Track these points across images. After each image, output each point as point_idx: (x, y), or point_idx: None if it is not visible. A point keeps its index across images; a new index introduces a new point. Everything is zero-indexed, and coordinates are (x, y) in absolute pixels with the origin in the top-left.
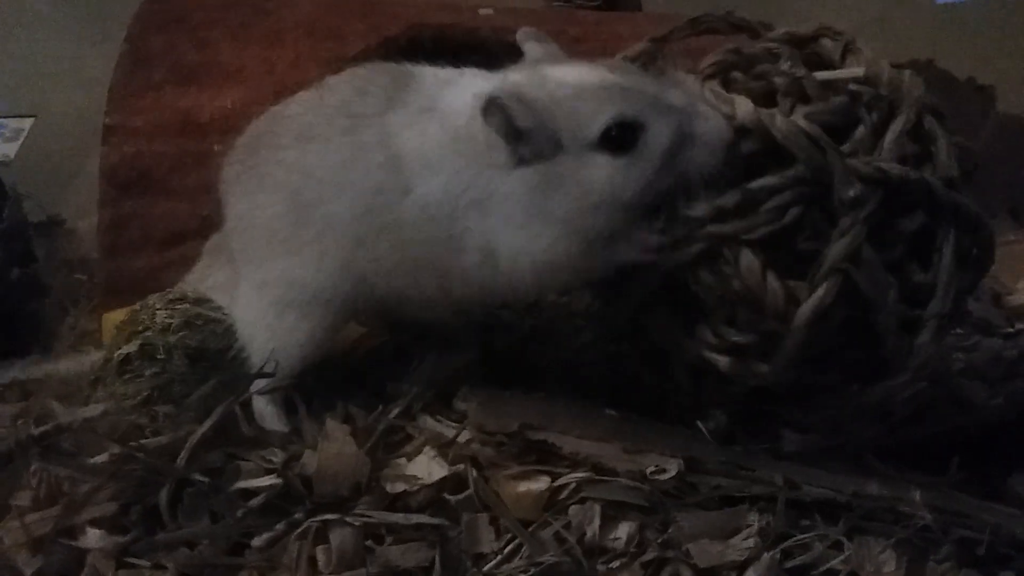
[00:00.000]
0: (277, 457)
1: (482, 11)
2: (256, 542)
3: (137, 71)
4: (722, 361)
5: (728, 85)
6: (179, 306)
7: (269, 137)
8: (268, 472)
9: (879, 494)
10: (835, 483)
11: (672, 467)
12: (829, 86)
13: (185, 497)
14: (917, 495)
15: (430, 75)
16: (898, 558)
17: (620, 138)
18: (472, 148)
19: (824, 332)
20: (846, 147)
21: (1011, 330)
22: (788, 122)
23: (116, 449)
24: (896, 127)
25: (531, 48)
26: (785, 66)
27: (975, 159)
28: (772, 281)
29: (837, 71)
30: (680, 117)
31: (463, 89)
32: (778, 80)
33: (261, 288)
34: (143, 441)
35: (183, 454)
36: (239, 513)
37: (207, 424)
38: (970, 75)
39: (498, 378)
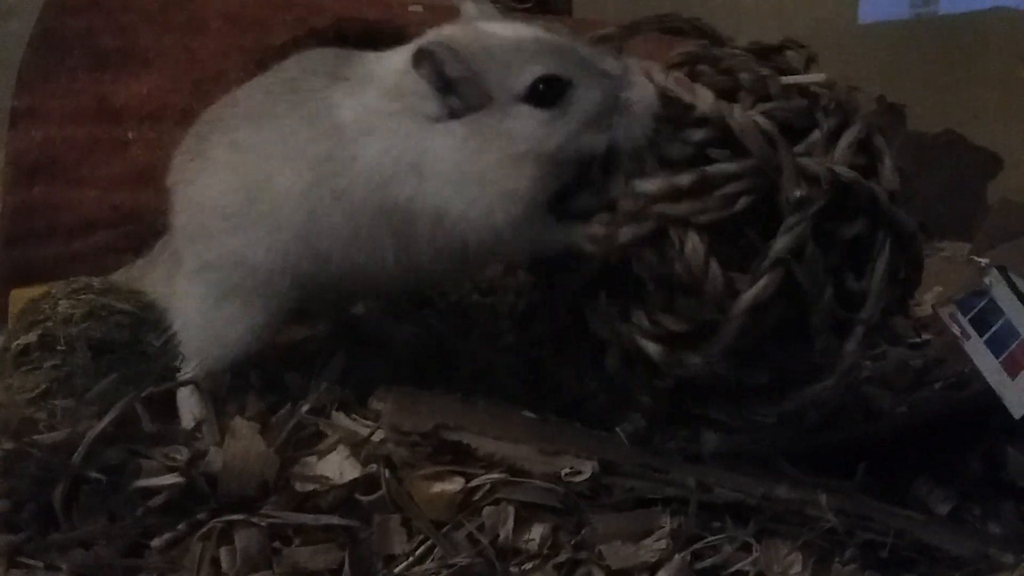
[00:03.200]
0: (181, 455)
1: (412, 8)
2: (156, 543)
3: (50, 54)
4: (654, 349)
5: (694, 77)
6: (83, 296)
7: (218, 123)
8: (171, 470)
9: (787, 497)
10: (745, 486)
11: (587, 469)
12: (791, 89)
13: (81, 495)
14: (824, 499)
15: (371, 53)
16: (804, 560)
17: (547, 92)
18: (403, 105)
19: (759, 326)
20: (800, 147)
21: (918, 340)
22: (745, 116)
23: (9, 444)
24: (850, 135)
25: (467, 7)
26: (751, 65)
27: (913, 186)
28: (714, 268)
29: (800, 76)
30: (611, 82)
31: (399, 54)
32: (743, 76)
33: (202, 272)
34: (38, 436)
35: (79, 450)
36: (138, 512)
37: (106, 420)
38: (881, 94)
39: (417, 378)
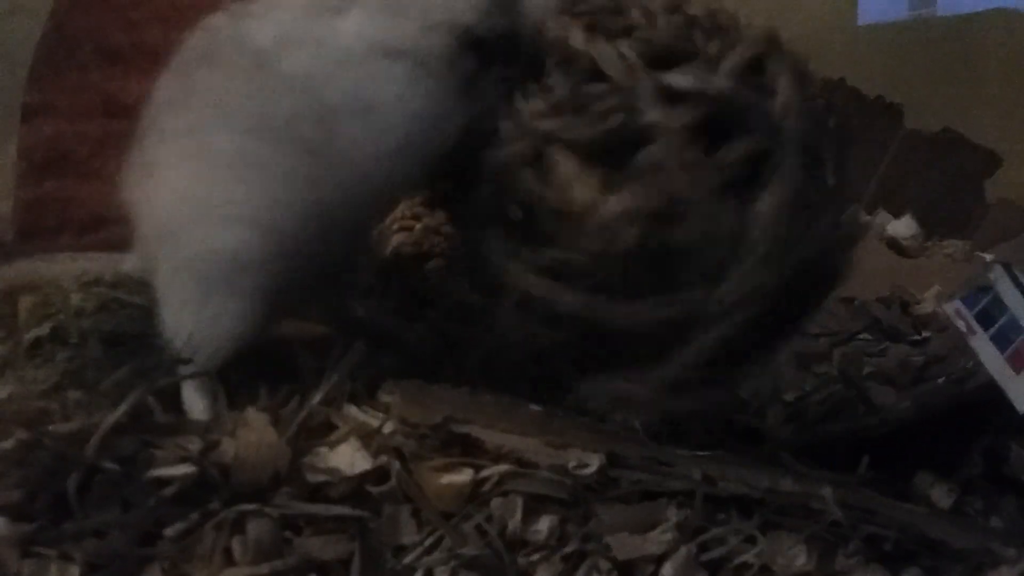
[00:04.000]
0: (194, 445)
1: None
2: (169, 532)
3: (60, 50)
4: (530, 281)
5: (594, 25)
6: (94, 289)
7: (150, 127)
8: (183, 460)
9: (792, 490)
10: (750, 479)
11: (594, 462)
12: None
13: (95, 485)
14: (828, 492)
15: None
16: (809, 552)
17: None
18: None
19: (632, 257)
20: (679, 69)
21: (918, 337)
22: (608, 47)
23: (23, 434)
24: (734, 56)
25: None
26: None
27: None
28: (583, 184)
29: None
30: None
31: None
32: (634, 14)
33: (176, 275)
34: (52, 427)
35: (93, 441)
36: (151, 502)
37: (119, 411)
38: (879, 94)
39: (424, 373)
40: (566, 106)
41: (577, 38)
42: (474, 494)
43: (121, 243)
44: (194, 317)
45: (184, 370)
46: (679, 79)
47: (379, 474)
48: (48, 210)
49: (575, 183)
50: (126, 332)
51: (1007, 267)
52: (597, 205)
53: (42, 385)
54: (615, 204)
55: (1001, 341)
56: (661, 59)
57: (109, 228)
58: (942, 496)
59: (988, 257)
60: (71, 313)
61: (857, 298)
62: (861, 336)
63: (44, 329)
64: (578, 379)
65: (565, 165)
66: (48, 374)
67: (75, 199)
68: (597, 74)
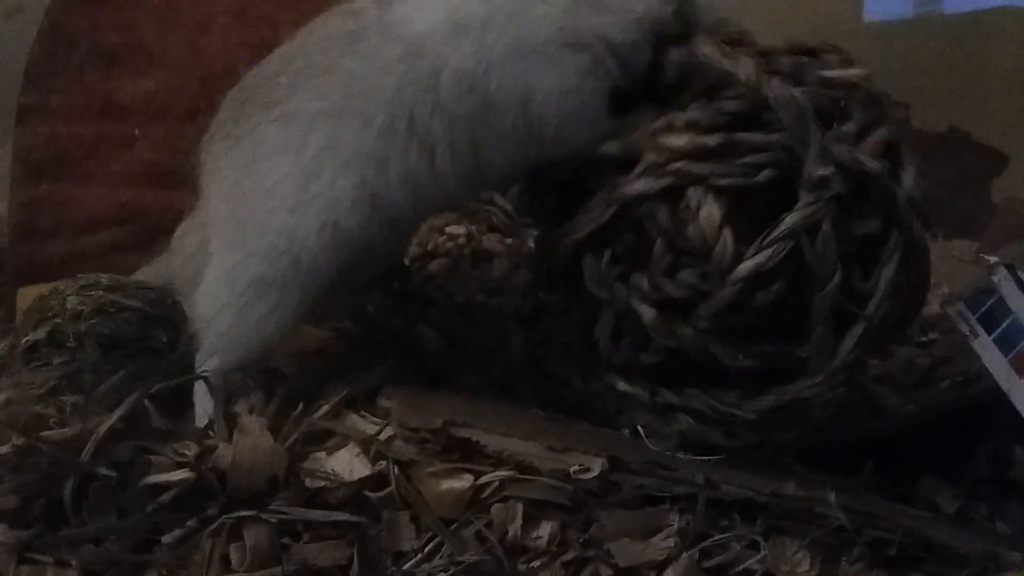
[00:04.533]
0: (190, 450)
1: None
2: (166, 539)
3: (57, 50)
4: (648, 313)
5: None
6: (91, 292)
7: (258, 98)
8: (180, 466)
9: (796, 494)
10: (754, 483)
11: (596, 466)
12: (827, 81)
13: (91, 492)
14: (832, 496)
15: None
16: (812, 558)
17: None
18: None
19: (756, 301)
20: (831, 134)
21: (924, 339)
22: (784, 88)
23: (19, 440)
24: (880, 133)
25: None
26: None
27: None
28: (727, 234)
29: (839, 70)
30: None
31: None
32: (783, 60)
33: (242, 265)
34: (47, 433)
35: (88, 447)
36: (148, 509)
37: (114, 416)
38: (885, 92)
39: (426, 379)
40: (719, 150)
41: (748, 71)
42: (474, 500)
43: (117, 246)
44: (239, 314)
45: (203, 366)
46: (839, 150)
47: (378, 479)
48: (44, 212)
49: (717, 231)
50: (124, 335)
51: (1011, 269)
52: (737, 258)
53: (39, 389)
54: (754, 263)
55: (1005, 344)
56: (819, 115)
57: (105, 230)
58: (947, 500)
59: (992, 259)
60: (68, 316)
61: None
62: None
63: (41, 333)
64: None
65: (710, 212)
66: (45, 378)
67: (71, 201)
68: (750, 115)
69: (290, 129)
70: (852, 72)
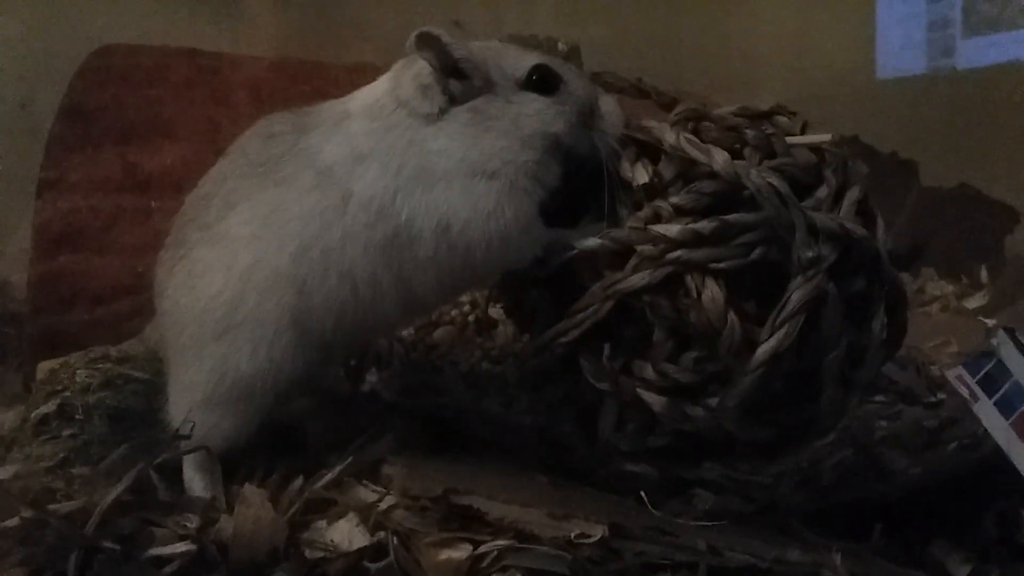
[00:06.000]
0: (192, 523)
1: None
2: None
3: (77, 126)
4: (657, 401)
5: (698, 133)
6: (100, 365)
7: (192, 220)
8: (182, 538)
9: (799, 560)
10: (757, 549)
11: (596, 532)
12: (795, 147)
13: (96, 564)
14: (838, 559)
15: (328, 102)
16: None
17: (543, 82)
18: (397, 116)
19: (773, 379)
20: (809, 202)
21: (933, 399)
22: (761, 176)
23: (27, 513)
24: (853, 194)
25: None
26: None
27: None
28: (733, 317)
29: (806, 136)
30: (588, 84)
31: (376, 83)
32: (749, 133)
33: (188, 386)
34: (54, 505)
35: (92, 520)
36: None
37: (118, 489)
38: (894, 149)
39: (429, 445)
40: (713, 235)
41: (718, 161)
42: (473, 570)
43: (133, 315)
44: (197, 424)
45: (184, 446)
46: (824, 220)
47: (377, 550)
48: (62, 283)
49: (724, 314)
50: (131, 407)
51: (1010, 332)
52: (747, 338)
53: (48, 462)
54: (772, 346)
55: (1006, 407)
56: (793, 185)
57: (122, 300)
58: (958, 565)
59: (990, 322)
60: (77, 389)
61: None
62: (876, 398)
63: (51, 406)
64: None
65: (713, 295)
66: (54, 450)
67: (88, 272)
68: (729, 194)
69: (219, 249)
70: (817, 137)
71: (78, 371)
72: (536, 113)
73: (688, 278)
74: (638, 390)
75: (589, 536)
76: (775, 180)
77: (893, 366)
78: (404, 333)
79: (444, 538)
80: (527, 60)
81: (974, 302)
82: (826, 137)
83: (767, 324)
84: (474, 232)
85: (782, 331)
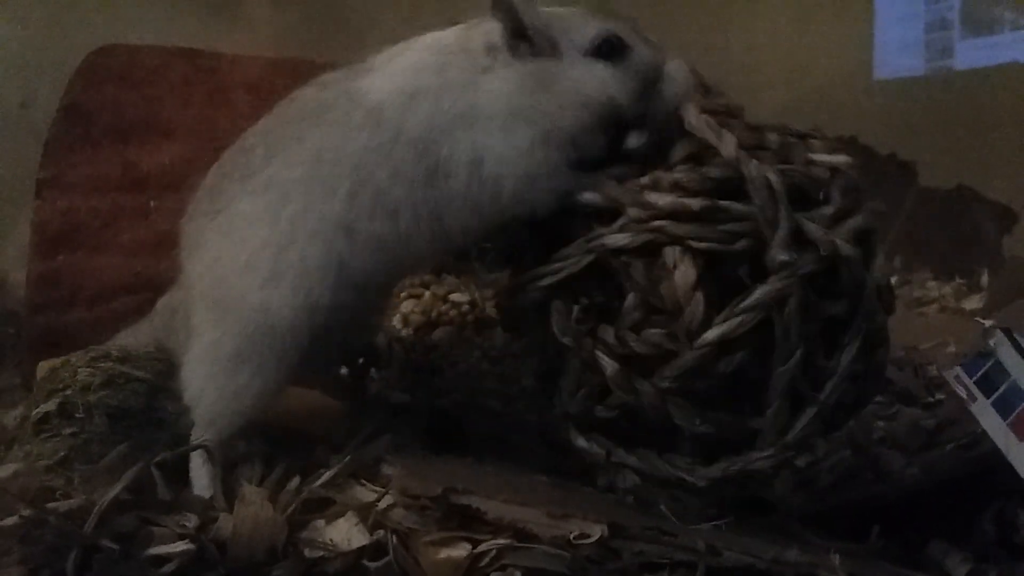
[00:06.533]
0: (191, 522)
1: None
2: None
3: (75, 125)
4: (610, 366)
5: (723, 126)
6: (101, 364)
7: (233, 172)
8: (182, 537)
9: (798, 561)
10: (755, 549)
11: (595, 532)
12: (812, 163)
13: (94, 563)
14: (836, 559)
15: (381, 53)
16: None
17: (610, 51)
18: (460, 57)
19: (719, 367)
20: (808, 214)
21: (931, 400)
22: (761, 169)
23: (26, 512)
24: (857, 220)
25: None
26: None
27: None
28: (699, 296)
29: (825, 155)
30: (657, 54)
31: (434, 34)
32: (771, 136)
33: (221, 340)
34: (53, 504)
35: (91, 519)
36: None
37: (117, 488)
38: (892, 150)
39: (429, 445)
40: (701, 214)
41: (727, 145)
42: (472, 569)
43: (132, 314)
44: (221, 384)
45: (195, 440)
46: (815, 230)
47: (376, 549)
48: (61, 282)
49: (690, 292)
50: (132, 406)
51: (1008, 332)
52: (707, 322)
53: (48, 460)
54: (721, 330)
55: (1004, 408)
56: (794, 198)
57: (120, 299)
58: (956, 565)
59: (988, 323)
60: (78, 388)
61: None
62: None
63: (52, 404)
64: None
65: (685, 272)
66: (54, 449)
67: (87, 271)
68: (734, 184)
69: (265, 198)
70: (838, 158)
71: (79, 370)
72: (598, 81)
73: (667, 250)
74: (596, 351)
75: (588, 536)
76: (773, 176)
77: (891, 367)
78: (404, 333)
79: (443, 537)
80: (595, 27)
81: (972, 303)
82: (847, 159)
83: (724, 311)
84: (504, 168)
85: (735, 320)
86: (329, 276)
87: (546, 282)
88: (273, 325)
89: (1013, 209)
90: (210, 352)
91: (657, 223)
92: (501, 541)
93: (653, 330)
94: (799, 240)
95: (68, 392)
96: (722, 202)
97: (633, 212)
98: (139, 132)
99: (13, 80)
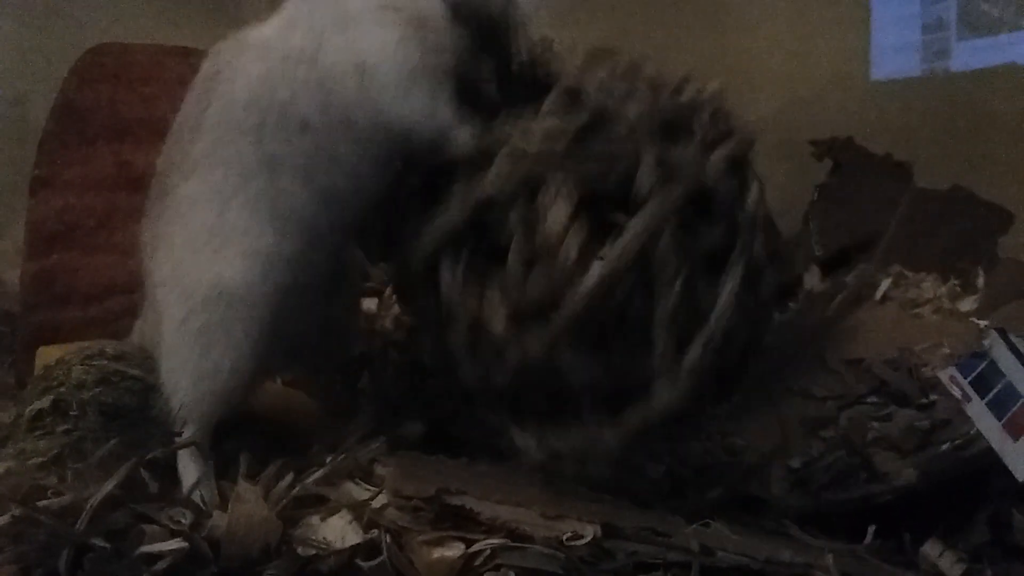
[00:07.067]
0: (185, 518)
1: None
2: None
3: (71, 124)
4: (497, 321)
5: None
6: (96, 362)
7: (168, 165)
8: (175, 534)
9: (792, 561)
10: (749, 549)
11: (589, 533)
12: (679, 95)
13: (86, 562)
14: (830, 559)
15: None
16: None
17: None
18: None
19: (603, 310)
20: (675, 148)
21: (925, 400)
22: (614, 92)
23: (18, 510)
24: (725, 149)
25: None
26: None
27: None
28: (573, 235)
29: (691, 92)
30: None
31: None
32: (639, 84)
33: (185, 323)
34: (45, 502)
35: (83, 517)
36: None
37: (108, 485)
38: (888, 151)
39: (424, 447)
40: (572, 150)
41: (575, 68)
42: (466, 568)
43: (126, 313)
44: (195, 369)
45: (177, 441)
46: (679, 154)
47: (370, 547)
48: (55, 281)
49: (563, 230)
50: (126, 404)
51: (1003, 332)
52: (583, 262)
53: (41, 458)
54: (600, 272)
55: (998, 408)
56: (660, 132)
57: (115, 298)
58: (951, 565)
59: (983, 323)
60: (72, 385)
61: (864, 360)
62: (868, 399)
63: (45, 402)
64: (522, 425)
65: (557, 212)
66: (48, 446)
67: (81, 270)
68: (603, 128)
69: (196, 177)
70: (706, 88)
71: (74, 367)
72: None
73: (541, 191)
74: (484, 309)
75: (581, 536)
76: (633, 106)
77: (886, 367)
78: (397, 336)
79: (437, 536)
80: None
81: (967, 304)
82: (713, 88)
83: (602, 251)
84: (386, 62)
85: (613, 258)
86: (267, 229)
87: (429, 241)
88: (231, 296)
89: (1008, 210)
90: (177, 338)
91: (528, 165)
92: (495, 541)
93: (538, 273)
94: (670, 174)
95: (62, 389)
96: (590, 141)
97: (504, 157)
98: (134, 131)
99: (7, 78)
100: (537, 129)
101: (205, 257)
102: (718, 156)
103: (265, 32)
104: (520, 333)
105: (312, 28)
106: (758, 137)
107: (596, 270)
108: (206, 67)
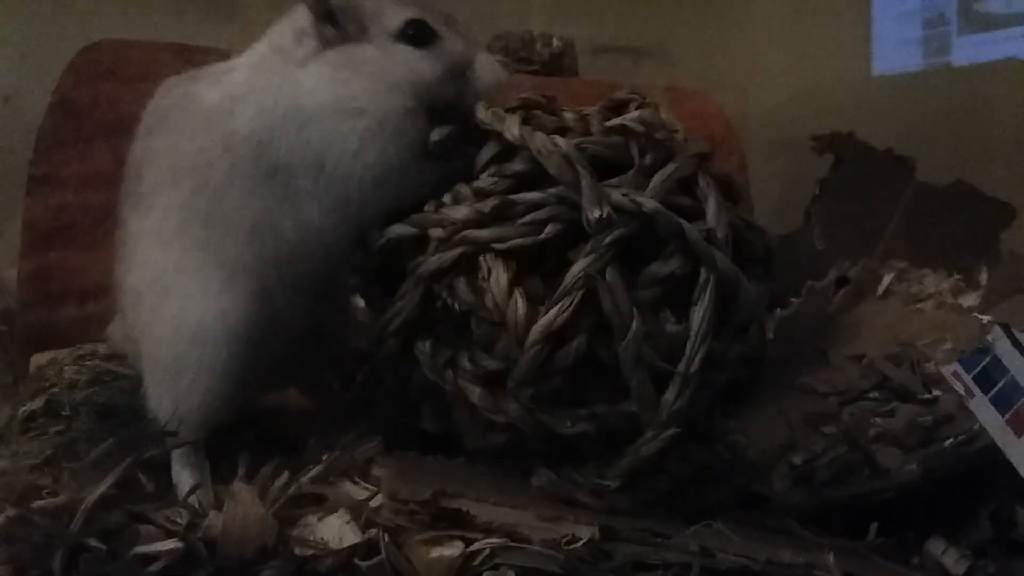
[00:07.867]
0: (181, 519)
1: None
2: None
3: (67, 122)
4: (475, 392)
5: (528, 120)
6: (88, 362)
7: (121, 198)
8: (170, 535)
9: (792, 561)
10: (749, 550)
11: (586, 535)
12: (613, 129)
13: (81, 563)
14: (831, 559)
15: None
16: None
17: (419, 35)
18: (274, 59)
19: (558, 361)
20: (614, 181)
21: (928, 396)
22: (546, 140)
23: (12, 511)
24: (665, 172)
25: None
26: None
27: (770, 244)
28: (517, 297)
29: (620, 118)
30: (467, 45)
31: (259, 43)
32: (567, 115)
33: (156, 355)
34: (39, 503)
35: (77, 517)
36: None
37: (103, 486)
38: (890, 146)
39: (420, 448)
40: (496, 213)
41: (514, 128)
42: (465, 568)
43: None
44: (171, 395)
45: (170, 442)
46: (615, 194)
47: (368, 547)
48: (52, 279)
49: (507, 295)
50: (118, 404)
51: (1006, 328)
52: (531, 320)
53: (34, 459)
54: (545, 322)
55: (1001, 404)
56: (596, 166)
57: (111, 297)
58: (954, 562)
59: (986, 318)
60: (64, 386)
61: (867, 355)
62: (870, 395)
63: (38, 402)
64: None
65: (498, 276)
66: (41, 447)
67: (79, 268)
68: (532, 175)
69: (143, 216)
70: (631, 116)
71: (66, 368)
72: (405, 64)
73: (480, 259)
74: (459, 381)
75: (579, 538)
76: (562, 142)
77: (888, 363)
78: None
79: (436, 536)
80: (404, 13)
81: (969, 299)
82: (635, 115)
83: (548, 302)
84: (345, 171)
85: (556, 307)
86: (213, 274)
87: (394, 326)
88: (193, 333)
89: (1011, 205)
90: (151, 364)
91: (460, 235)
92: (494, 540)
93: (500, 342)
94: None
95: (55, 390)
96: (515, 195)
97: (435, 232)
98: (131, 128)
99: (2, 75)
100: (461, 209)
101: (160, 298)
102: (660, 181)
103: (212, 93)
104: (496, 400)
105: (262, 112)
106: (709, 150)
107: (541, 322)
108: (157, 101)
